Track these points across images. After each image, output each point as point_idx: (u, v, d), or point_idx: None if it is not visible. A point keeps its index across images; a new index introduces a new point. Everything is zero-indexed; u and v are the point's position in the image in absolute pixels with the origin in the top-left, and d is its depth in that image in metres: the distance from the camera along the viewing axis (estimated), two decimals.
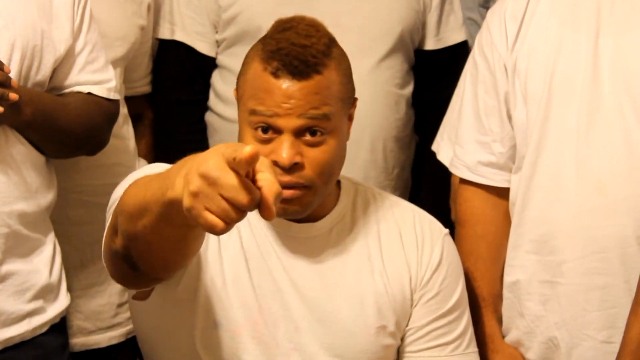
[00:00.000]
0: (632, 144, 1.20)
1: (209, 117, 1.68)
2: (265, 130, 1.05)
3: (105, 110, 1.34)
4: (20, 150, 1.20)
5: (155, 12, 1.64)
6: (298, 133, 1.05)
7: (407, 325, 1.17)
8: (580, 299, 1.24)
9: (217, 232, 0.68)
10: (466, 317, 1.21)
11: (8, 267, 1.21)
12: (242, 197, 0.66)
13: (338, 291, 1.14)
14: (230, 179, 0.66)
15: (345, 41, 1.16)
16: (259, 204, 0.67)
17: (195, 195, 0.68)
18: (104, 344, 1.49)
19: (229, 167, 0.66)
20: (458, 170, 1.38)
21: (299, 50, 1.05)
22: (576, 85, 1.20)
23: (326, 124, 1.07)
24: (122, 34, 1.48)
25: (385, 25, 1.62)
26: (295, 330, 1.12)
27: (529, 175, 1.26)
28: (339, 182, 1.18)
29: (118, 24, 1.46)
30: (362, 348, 1.15)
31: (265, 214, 0.67)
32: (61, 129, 1.25)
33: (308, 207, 1.09)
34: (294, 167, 1.05)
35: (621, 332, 1.22)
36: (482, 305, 1.34)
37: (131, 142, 1.53)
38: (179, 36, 1.64)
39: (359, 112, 1.20)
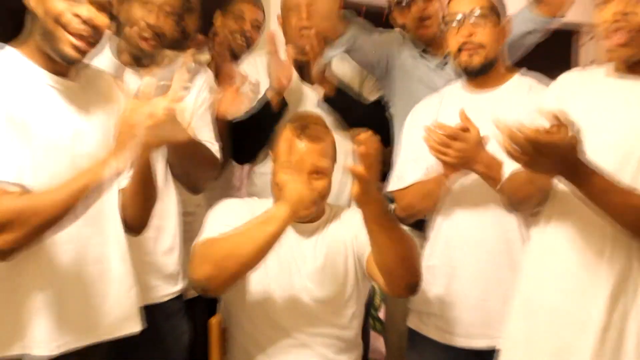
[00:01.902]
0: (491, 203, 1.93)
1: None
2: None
3: (213, 160, 2.01)
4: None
5: None
6: (310, 173, 1.81)
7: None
8: (467, 274, 1.96)
9: None
10: None
11: (155, 256, 1.93)
12: None
13: (328, 262, 1.88)
14: None
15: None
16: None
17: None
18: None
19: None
20: (395, 187, 2.05)
21: (313, 127, 1.86)
22: None
23: (325, 170, 1.85)
24: None
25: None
26: (306, 288, 1.86)
27: (443, 207, 1.99)
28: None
29: None
30: (345, 290, 1.89)
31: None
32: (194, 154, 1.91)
33: (315, 211, 1.86)
34: None
35: (491, 293, 1.91)
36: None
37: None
38: None
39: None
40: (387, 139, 2.31)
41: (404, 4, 2.35)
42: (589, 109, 1.62)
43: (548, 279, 1.66)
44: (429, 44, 2.37)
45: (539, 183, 1.65)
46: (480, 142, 1.84)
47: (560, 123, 1.42)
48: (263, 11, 2.69)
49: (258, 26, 2.67)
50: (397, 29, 2.47)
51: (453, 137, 1.83)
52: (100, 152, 1.50)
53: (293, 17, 2.31)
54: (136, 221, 1.69)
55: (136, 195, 1.64)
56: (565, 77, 1.75)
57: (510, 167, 1.71)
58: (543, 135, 1.40)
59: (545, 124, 1.43)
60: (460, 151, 1.84)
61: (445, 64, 2.31)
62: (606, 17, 1.57)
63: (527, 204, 1.77)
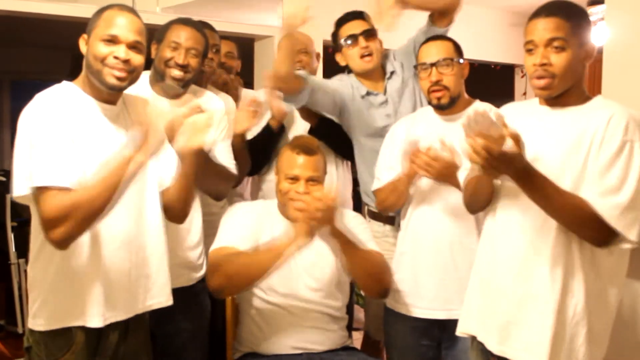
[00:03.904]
0: (450, 204, 2.31)
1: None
2: (292, 179, 2.25)
3: (231, 176, 2.37)
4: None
5: None
6: (307, 180, 2.24)
7: None
8: (429, 260, 2.34)
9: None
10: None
11: (185, 251, 2.29)
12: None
13: (320, 258, 2.26)
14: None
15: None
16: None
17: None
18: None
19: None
20: (375, 187, 2.46)
21: (307, 146, 2.28)
22: None
23: (318, 178, 2.27)
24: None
25: None
26: (302, 277, 2.27)
27: (413, 205, 2.39)
28: None
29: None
30: (334, 279, 2.31)
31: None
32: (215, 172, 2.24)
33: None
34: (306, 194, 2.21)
35: (449, 275, 2.25)
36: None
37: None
38: None
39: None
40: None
41: (349, 42, 2.71)
42: (528, 131, 1.79)
43: (498, 262, 1.88)
44: (372, 86, 2.78)
45: (488, 183, 1.91)
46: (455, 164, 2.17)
47: (513, 136, 1.64)
48: (235, 44, 3.21)
49: (232, 56, 3.19)
50: (347, 80, 2.82)
51: (434, 159, 2.20)
52: (126, 150, 1.73)
53: None
54: (180, 212, 2.02)
55: (182, 191, 1.95)
56: (508, 107, 2.03)
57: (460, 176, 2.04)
58: (495, 145, 1.61)
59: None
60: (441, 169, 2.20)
61: (385, 101, 2.76)
62: (530, 64, 1.80)
63: (481, 203, 2.00)
